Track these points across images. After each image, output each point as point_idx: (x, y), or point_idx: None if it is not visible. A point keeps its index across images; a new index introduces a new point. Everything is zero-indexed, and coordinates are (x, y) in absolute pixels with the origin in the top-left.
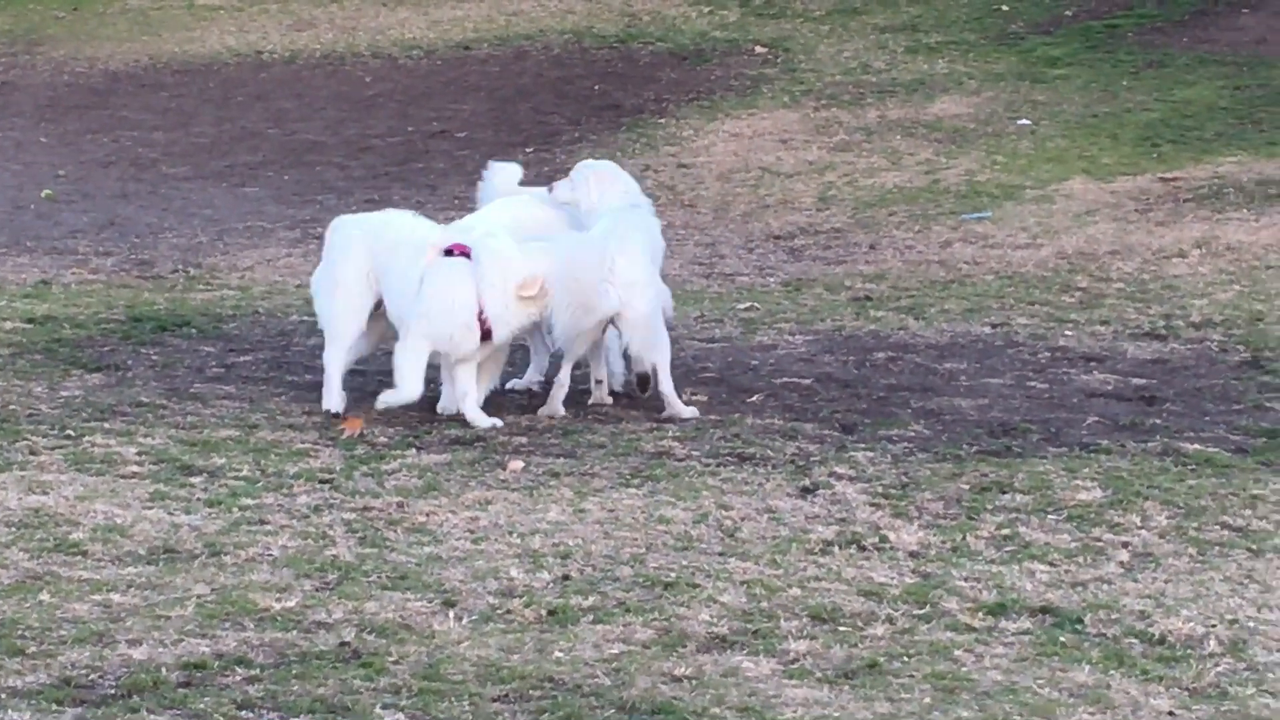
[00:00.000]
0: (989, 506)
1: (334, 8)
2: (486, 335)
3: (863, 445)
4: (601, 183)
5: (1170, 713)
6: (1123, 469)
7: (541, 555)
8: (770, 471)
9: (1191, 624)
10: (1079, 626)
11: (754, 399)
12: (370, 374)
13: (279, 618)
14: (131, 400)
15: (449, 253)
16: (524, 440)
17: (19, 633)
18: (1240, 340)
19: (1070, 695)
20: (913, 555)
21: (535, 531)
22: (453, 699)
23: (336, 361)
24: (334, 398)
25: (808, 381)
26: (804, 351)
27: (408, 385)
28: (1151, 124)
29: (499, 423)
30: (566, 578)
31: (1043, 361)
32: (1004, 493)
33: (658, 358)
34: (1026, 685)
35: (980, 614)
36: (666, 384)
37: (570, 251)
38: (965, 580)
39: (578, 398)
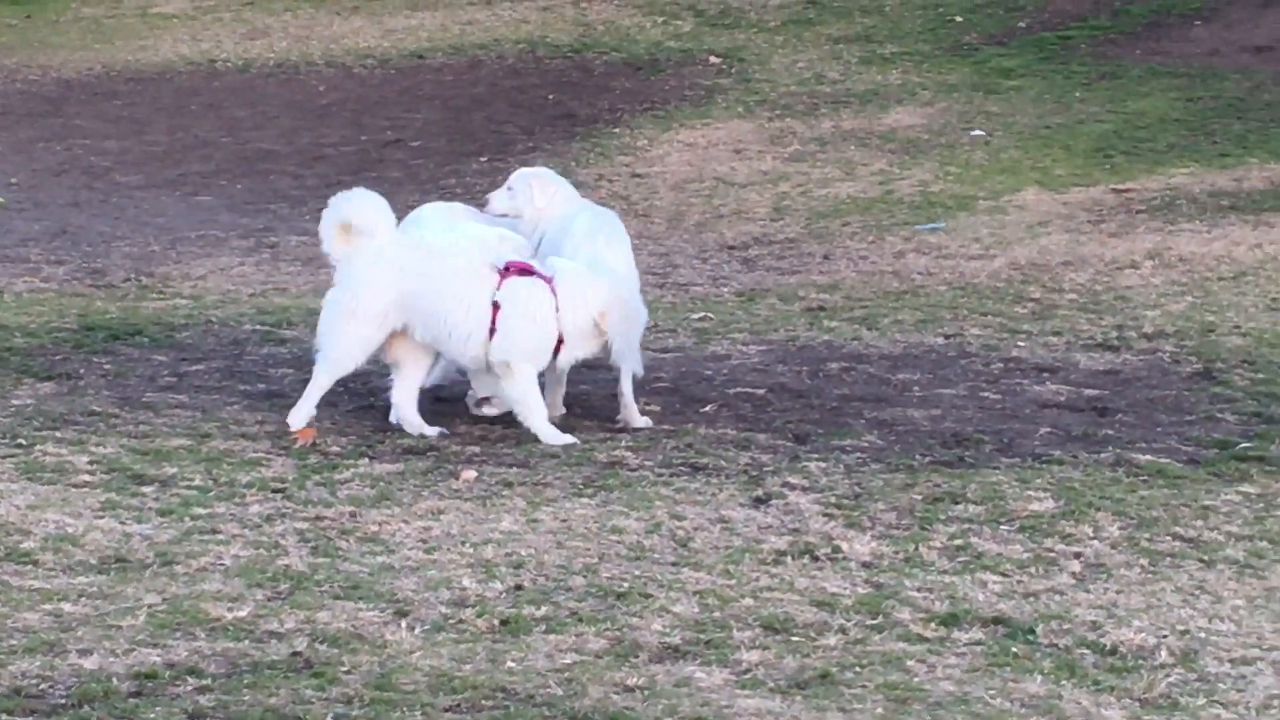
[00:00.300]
0: (942, 517)
1: (288, 16)
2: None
3: (816, 455)
4: (545, 189)
5: None
6: (1075, 480)
7: (494, 565)
8: (723, 481)
9: (1143, 635)
10: (1031, 637)
11: (707, 409)
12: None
13: (231, 627)
14: (83, 409)
15: (506, 271)
16: (477, 450)
17: None
18: (1192, 351)
19: (1022, 706)
20: (865, 565)
21: (488, 541)
22: (405, 709)
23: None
24: (302, 415)
25: (761, 392)
26: (757, 362)
27: (541, 411)
28: (1104, 135)
29: (574, 439)
30: (519, 587)
31: (995, 372)
32: (956, 503)
33: (636, 359)
34: (978, 696)
35: (932, 624)
36: (629, 388)
37: (614, 273)
38: (918, 591)
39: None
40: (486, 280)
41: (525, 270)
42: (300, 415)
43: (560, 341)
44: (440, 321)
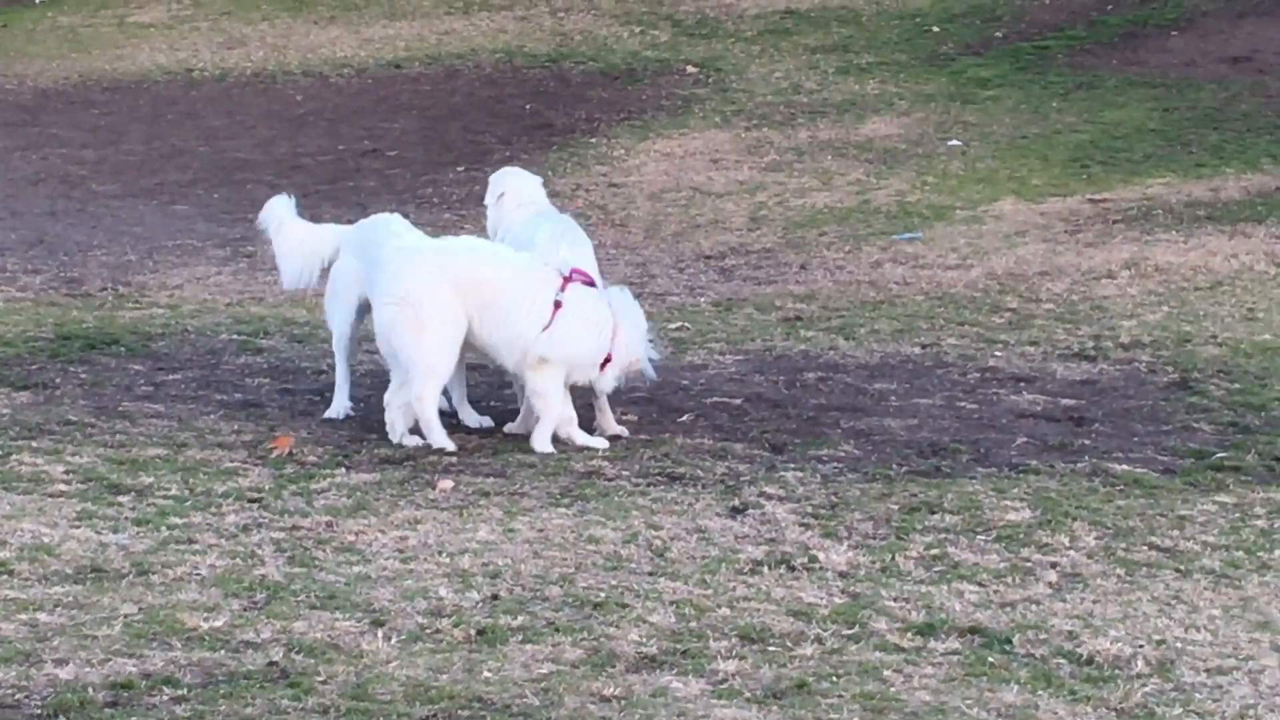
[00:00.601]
0: (918, 527)
1: (265, 26)
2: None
3: (792, 465)
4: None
5: None
6: (1051, 489)
7: (471, 575)
8: (700, 491)
9: (1119, 644)
10: (1007, 647)
11: (684, 419)
12: (300, 393)
13: (207, 637)
14: (59, 418)
15: (569, 278)
16: (454, 460)
17: None
18: (1169, 361)
19: (998, 715)
20: (842, 575)
21: (464, 551)
22: (381, 719)
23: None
24: (443, 440)
25: (738, 401)
26: (734, 371)
27: (556, 416)
28: (1081, 145)
29: (605, 445)
30: (495, 597)
31: (972, 382)
32: (933, 513)
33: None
34: (955, 705)
35: (909, 634)
36: (604, 397)
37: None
38: (894, 600)
39: (509, 418)
40: (550, 279)
41: (589, 282)
42: (443, 441)
43: (607, 359)
44: (500, 313)
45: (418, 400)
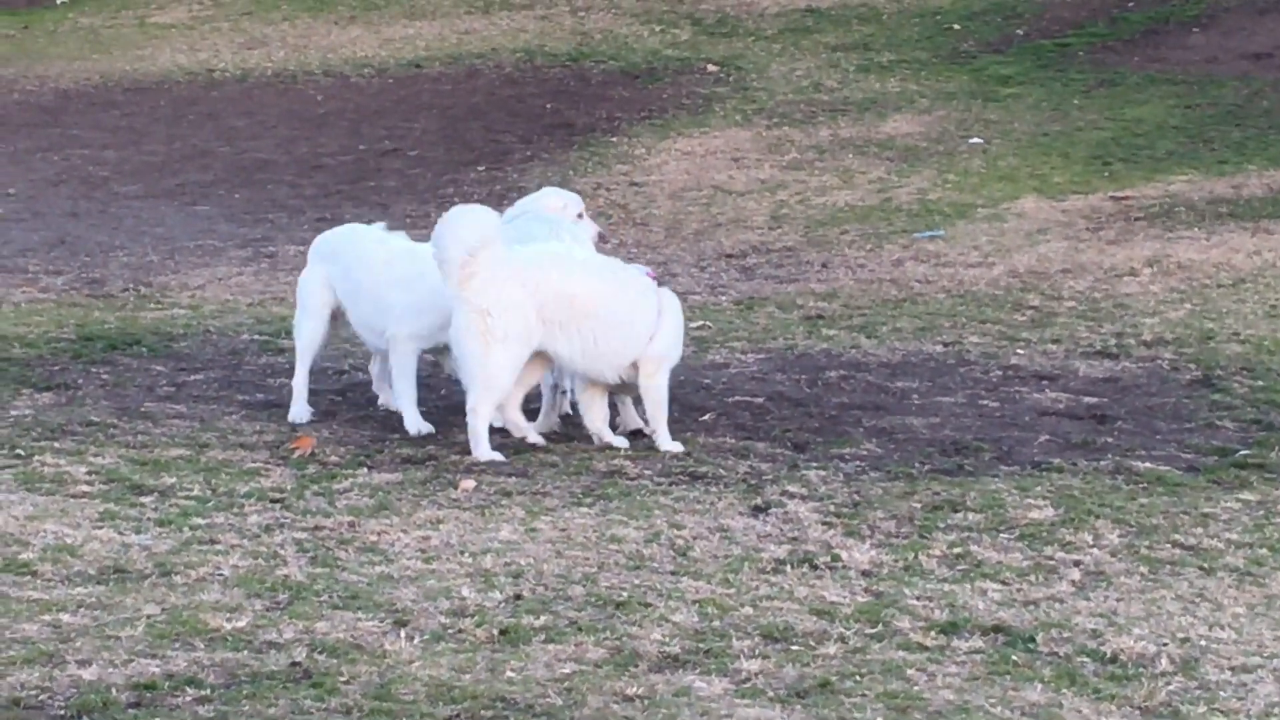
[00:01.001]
0: (941, 525)
1: (285, 26)
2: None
3: (815, 464)
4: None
5: None
6: (1074, 487)
7: (493, 575)
8: (722, 490)
9: (1143, 643)
10: (1031, 645)
11: (706, 418)
12: (322, 393)
13: (229, 638)
14: (82, 419)
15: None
16: (475, 460)
17: None
18: (1191, 359)
19: (1022, 714)
20: (865, 574)
21: (487, 551)
22: (404, 719)
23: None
24: (488, 451)
25: (760, 400)
26: (756, 370)
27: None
28: (1103, 143)
29: (625, 441)
30: (518, 597)
31: (995, 380)
32: (956, 511)
33: None
34: (979, 704)
35: (932, 633)
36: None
37: None
38: (917, 599)
39: (531, 419)
40: (646, 284)
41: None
42: (488, 454)
43: None
44: (601, 325)
45: (472, 411)
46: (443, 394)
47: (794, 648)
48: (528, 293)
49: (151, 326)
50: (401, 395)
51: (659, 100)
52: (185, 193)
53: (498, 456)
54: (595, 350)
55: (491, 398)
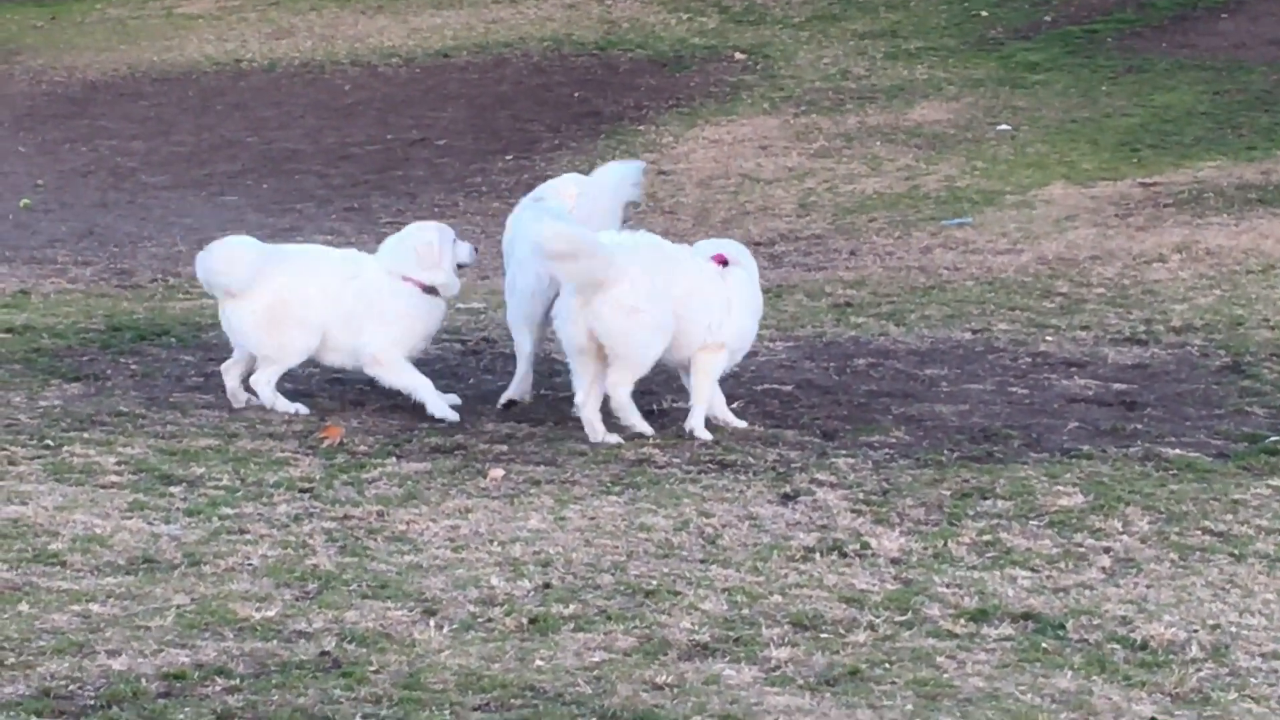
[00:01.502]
0: (970, 512)
1: (313, 16)
2: None
3: (844, 452)
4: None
5: (1153, 718)
6: (1104, 474)
7: (522, 563)
8: (751, 478)
9: (1173, 629)
10: (1061, 632)
11: (735, 406)
12: (350, 382)
13: (259, 627)
14: (111, 410)
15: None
16: (504, 448)
17: None
18: (1221, 345)
19: (1052, 701)
20: (894, 562)
21: (516, 540)
22: (433, 708)
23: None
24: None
25: (789, 388)
26: (785, 358)
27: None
28: (1131, 129)
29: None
30: (547, 586)
31: (1023, 367)
32: (985, 498)
33: None
34: (1008, 691)
35: (962, 620)
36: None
37: None
38: (947, 586)
39: (561, 406)
40: (712, 268)
41: (724, 262)
42: (642, 425)
43: None
44: (686, 308)
45: (615, 386)
46: (471, 383)
47: (823, 635)
48: (666, 286)
49: (180, 317)
50: (415, 389)
51: (686, 88)
52: (213, 183)
53: (648, 429)
54: (680, 329)
55: (634, 376)
